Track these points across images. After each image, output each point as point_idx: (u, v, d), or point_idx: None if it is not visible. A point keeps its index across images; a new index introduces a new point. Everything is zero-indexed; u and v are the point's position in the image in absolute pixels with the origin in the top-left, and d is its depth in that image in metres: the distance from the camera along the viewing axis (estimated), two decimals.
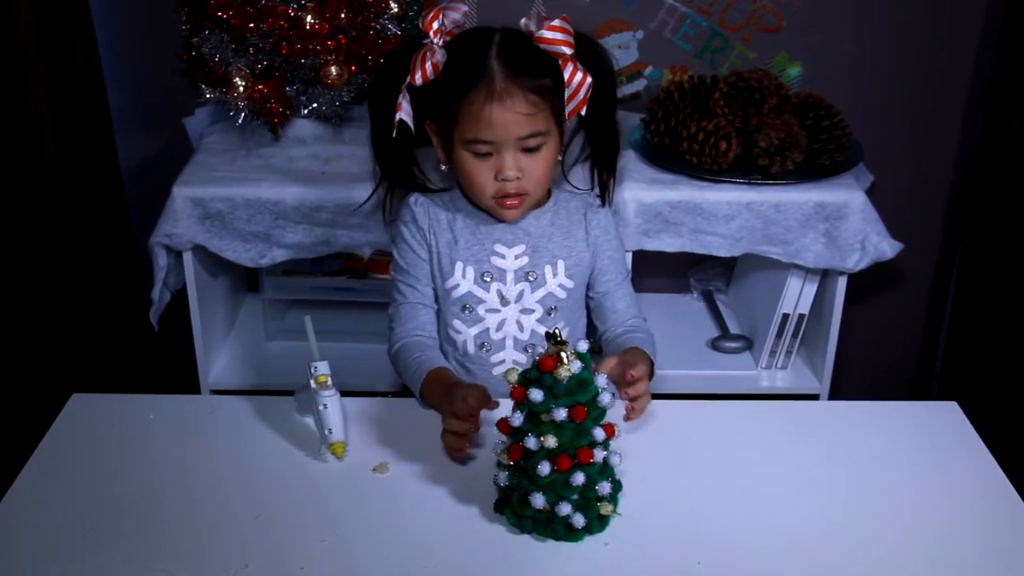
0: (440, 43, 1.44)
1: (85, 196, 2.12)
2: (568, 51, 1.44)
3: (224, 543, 1.19)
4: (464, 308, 1.55)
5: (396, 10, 2.01)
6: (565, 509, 1.19)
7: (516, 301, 1.55)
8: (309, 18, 1.92)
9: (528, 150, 1.45)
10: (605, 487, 1.20)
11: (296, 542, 1.20)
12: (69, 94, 2.05)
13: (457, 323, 1.57)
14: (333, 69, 1.94)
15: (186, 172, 1.96)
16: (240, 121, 1.96)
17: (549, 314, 1.56)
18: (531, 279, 1.54)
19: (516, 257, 1.55)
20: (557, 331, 1.17)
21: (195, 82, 2.00)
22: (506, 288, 1.54)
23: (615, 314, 1.60)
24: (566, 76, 1.45)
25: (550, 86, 1.45)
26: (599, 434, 1.18)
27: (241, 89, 1.93)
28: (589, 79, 1.46)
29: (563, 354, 1.16)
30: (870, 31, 2.23)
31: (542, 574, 1.18)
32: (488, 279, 1.54)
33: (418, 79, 1.44)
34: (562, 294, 1.56)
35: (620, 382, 1.38)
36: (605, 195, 1.60)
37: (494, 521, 1.24)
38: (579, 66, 1.45)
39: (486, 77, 1.42)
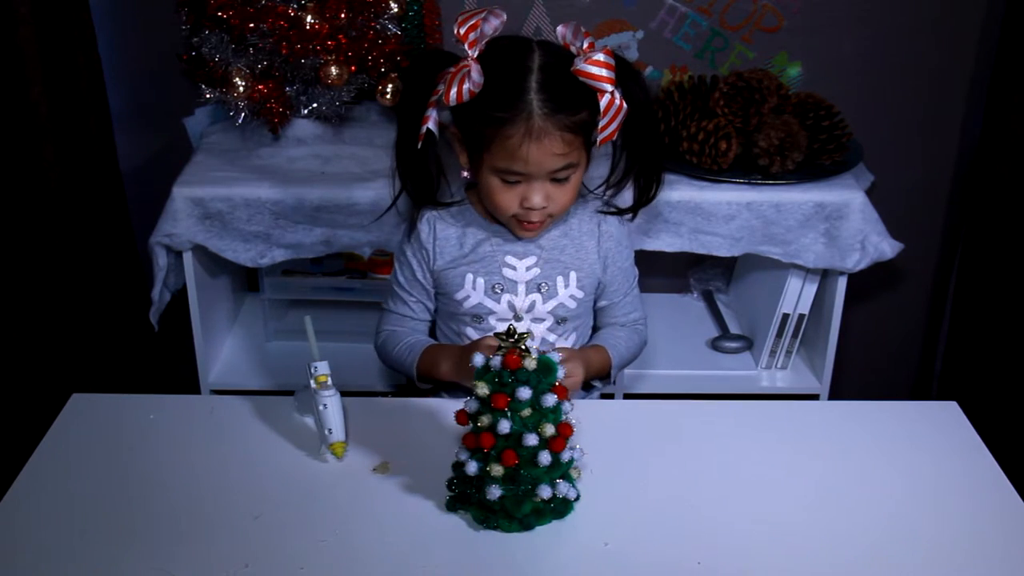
0: (475, 55, 1.38)
1: (85, 196, 2.11)
2: (609, 87, 1.38)
3: (224, 543, 1.19)
4: (475, 317, 1.55)
5: (396, 10, 2.01)
6: (564, 487, 1.20)
7: (527, 311, 1.54)
8: (309, 18, 1.92)
9: (557, 180, 1.43)
10: (579, 451, 1.22)
11: (296, 542, 1.19)
12: (69, 94, 2.05)
13: (469, 331, 1.57)
14: (333, 69, 1.93)
15: (186, 172, 1.96)
16: (240, 121, 1.96)
17: (559, 323, 1.56)
18: (543, 290, 1.54)
19: (527, 268, 1.53)
20: (511, 328, 1.17)
21: (195, 82, 2.00)
22: (518, 301, 1.54)
23: (612, 318, 1.63)
24: (602, 105, 1.39)
25: (587, 119, 1.41)
26: (567, 405, 1.20)
27: (241, 89, 1.93)
28: (625, 106, 1.41)
29: (522, 345, 1.16)
30: (870, 31, 2.23)
31: (542, 573, 1.18)
32: (499, 290, 1.53)
33: (452, 99, 1.37)
34: (572, 304, 1.55)
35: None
36: (630, 209, 1.57)
37: None
38: (616, 96, 1.39)
39: (524, 113, 1.37)
